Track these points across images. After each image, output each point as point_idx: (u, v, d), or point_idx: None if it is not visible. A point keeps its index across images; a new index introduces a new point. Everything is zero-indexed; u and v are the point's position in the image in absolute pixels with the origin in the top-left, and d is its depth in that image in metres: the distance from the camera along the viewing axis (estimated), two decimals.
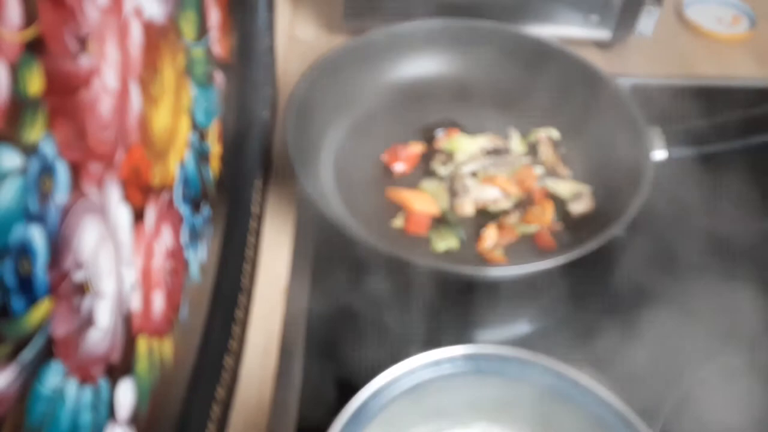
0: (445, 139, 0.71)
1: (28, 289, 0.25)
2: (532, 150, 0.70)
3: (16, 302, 0.24)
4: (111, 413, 0.32)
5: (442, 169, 0.68)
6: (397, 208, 0.65)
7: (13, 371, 0.24)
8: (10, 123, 0.23)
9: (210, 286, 0.50)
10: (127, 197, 0.33)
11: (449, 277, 0.58)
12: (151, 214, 0.37)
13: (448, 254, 0.62)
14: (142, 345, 0.36)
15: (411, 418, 0.45)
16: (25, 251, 0.24)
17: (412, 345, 0.47)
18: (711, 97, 0.79)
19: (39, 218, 0.25)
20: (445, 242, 0.62)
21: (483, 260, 0.62)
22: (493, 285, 0.61)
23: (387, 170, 0.69)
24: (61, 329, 0.27)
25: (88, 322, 0.30)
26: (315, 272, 0.62)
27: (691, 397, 0.55)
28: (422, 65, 0.77)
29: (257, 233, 0.62)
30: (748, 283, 0.62)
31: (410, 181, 0.68)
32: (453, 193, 0.66)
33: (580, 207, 0.65)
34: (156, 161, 0.37)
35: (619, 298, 0.61)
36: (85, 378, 0.30)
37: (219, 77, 0.49)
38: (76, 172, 0.28)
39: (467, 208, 0.65)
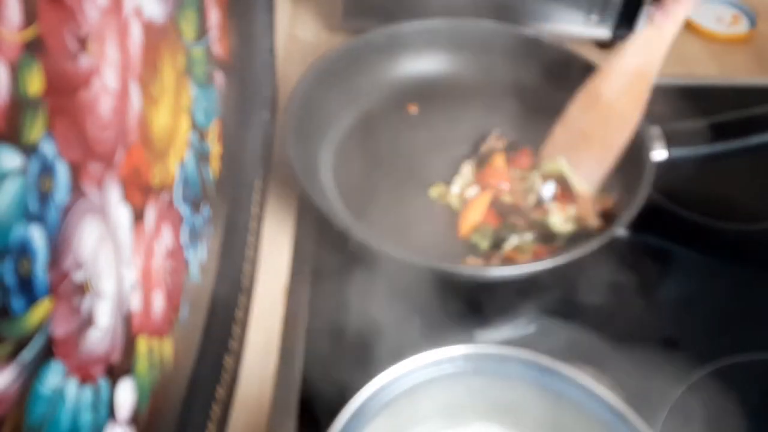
0: None
1: (28, 289, 0.25)
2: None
3: (16, 302, 0.24)
4: (111, 413, 0.32)
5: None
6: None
7: (13, 371, 0.24)
8: (10, 123, 0.23)
9: (210, 286, 0.50)
10: (127, 197, 0.33)
11: (449, 277, 0.58)
12: (151, 214, 0.37)
13: (448, 253, 0.62)
14: (142, 345, 0.36)
15: (411, 418, 0.45)
16: (25, 251, 0.24)
17: (413, 345, 0.47)
18: (711, 97, 0.79)
19: (39, 218, 0.25)
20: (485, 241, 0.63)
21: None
22: (493, 285, 0.61)
23: None
24: (61, 329, 0.27)
25: (88, 322, 0.30)
26: (315, 272, 0.62)
27: (691, 396, 0.55)
28: (422, 65, 0.77)
29: (257, 233, 0.62)
30: (747, 283, 0.62)
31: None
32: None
33: (567, 226, 0.64)
34: (156, 161, 0.37)
35: (618, 297, 0.61)
36: (85, 378, 0.29)
37: (219, 77, 0.49)
38: (76, 172, 0.28)
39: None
